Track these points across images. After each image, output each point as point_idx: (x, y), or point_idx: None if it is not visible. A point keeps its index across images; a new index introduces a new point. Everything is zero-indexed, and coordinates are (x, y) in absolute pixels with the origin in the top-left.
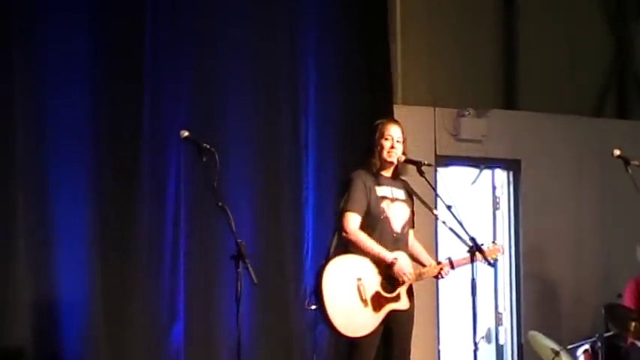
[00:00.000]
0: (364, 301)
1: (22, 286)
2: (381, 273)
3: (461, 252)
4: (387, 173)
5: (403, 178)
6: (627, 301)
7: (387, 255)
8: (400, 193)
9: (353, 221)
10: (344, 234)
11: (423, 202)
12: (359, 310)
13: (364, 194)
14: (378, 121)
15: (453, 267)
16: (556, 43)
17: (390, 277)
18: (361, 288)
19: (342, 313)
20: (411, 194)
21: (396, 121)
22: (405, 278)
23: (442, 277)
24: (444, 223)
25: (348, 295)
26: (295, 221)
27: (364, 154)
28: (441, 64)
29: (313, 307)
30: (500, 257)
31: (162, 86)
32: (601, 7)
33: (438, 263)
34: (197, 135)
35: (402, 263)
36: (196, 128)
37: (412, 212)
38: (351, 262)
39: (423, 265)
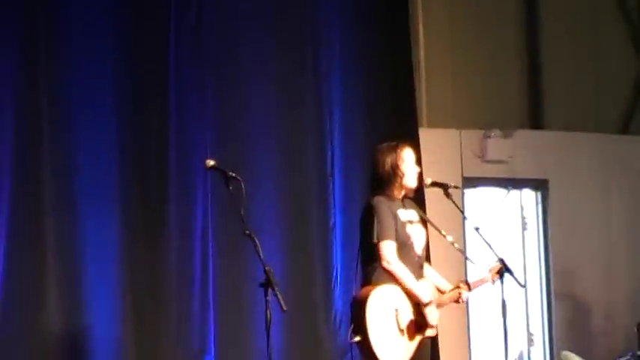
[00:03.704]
0: (401, 331)
1: (53, 327)
2: (413, 306)
3: (479, 273)
4: (399, 196)
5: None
6: None
7: (424, 295)
8: (414, 214)
9: (391, 250)
10: (385, 264)
11: (431, 224)
12: (398, 340)
13: (392, 220)
14: (390, 145)
15: (470, 289)
16: (581, 61)
17: (420, 312)
18: (398, 318)
19: (385, 345)
20: (420, 214)
21: (409, 143)
22: (432, 323)
23: (462, 302)
24: (453, 244)
25: (388, 326)
26: (323, 248)
27: (378, 178)
28: (466, 86)
29: (357, 339)
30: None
31: (187, 118)
32: (625, 24)
33: (456, 287)
34: (223, 164)
35: (434, 308)
36: (222, 158)
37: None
38: (389, 292)
39: (441, 292)
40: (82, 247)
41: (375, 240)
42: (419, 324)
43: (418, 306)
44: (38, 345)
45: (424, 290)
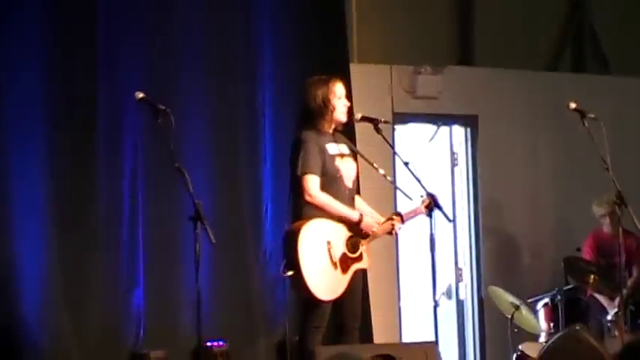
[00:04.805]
0: (334, 264)
1: None
2: (348, 232)
3: (411, 205)
4: (330, 129)
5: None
6: (586, 254)
7: (353, 214)
8: (344, 148)
9: (314, 184)
10: (308, 198)
11: (364, 157)
12: (331, 273)
13: (319, 155)
14: (320, 78)
15: (403, 221)
16: None
17: (354, 237)
18: (331, 251)
19: (317, 279)
20: (352, 148)
21: (339, 78)
22: (375, 228)
23: (395, 233)
24: (384, 177)
25: (321, 260)
26: (253, 182)
27: (308, 112)
28: (396, 22)
29: (290, 273)
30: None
31: (116, 50)
32: None
33: (389, 219)
34: (152, 96)
35: (368, 218)
36: (152, 92)
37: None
38: (320, 225)
39: None
40: (8, 183)
41: (299, 173)
42: (352, 256)
43: (351, 238)
44: None
45: (352, 210)
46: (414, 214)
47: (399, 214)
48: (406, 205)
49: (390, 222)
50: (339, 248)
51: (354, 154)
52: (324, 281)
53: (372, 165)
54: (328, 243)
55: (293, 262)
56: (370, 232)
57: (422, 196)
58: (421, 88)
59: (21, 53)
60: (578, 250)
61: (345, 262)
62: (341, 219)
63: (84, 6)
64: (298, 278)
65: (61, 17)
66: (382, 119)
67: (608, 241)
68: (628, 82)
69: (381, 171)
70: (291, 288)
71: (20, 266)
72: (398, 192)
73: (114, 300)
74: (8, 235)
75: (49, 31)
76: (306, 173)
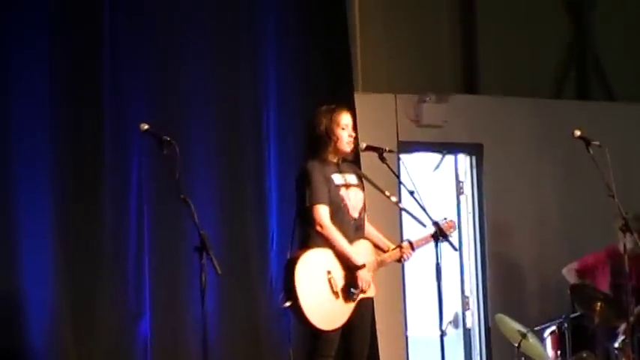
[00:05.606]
0: (335, 294)
1: None
2: (347, 268)
3: (420, 232)
4: (335, 159)
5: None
6: (595, 263)
7: (356, 259)
8: (352, 178)
9: (324, 214)
10: (318, 228)
11: (375, 186)
12: (331, 303)
13: (325, 184)
14: (327, 108)
15: (413, 249)
16: (515, 25)
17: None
18: (332, 281)
19: (317, 309)
20: (361, 177)
21: (346, 108)
22: (364, 288)
23: (405, 260)
24: (396, 204)
25: (320, 290)
26: (259, 212)
27: (313, 141)
28: (401, 51)
29: (288, 304)
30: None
31: (122, 82)
32: None
33: (398, 246)
34: (157, 128)
35: (366, 273)
36: (158, 123)
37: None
38: (319, 255)
39: (383, 251)
40: (15, 210)
41: (308, 204)
42: (354, 286)
43: (350, 276)
44: None
45: (357, 254)
46: (425, 241)
47: (409, 242)
48: (414, 233)
49: (399, 249)
50: (342, 277)
51: (362, 184)
52: (322, 311)
53: (384, 193)
54: (328, 272)
55: (291, 292)
56: (360, 288)
57: (435, 223)
58: (426, 116)
59: (27, 81)
60: None
61: (348, 292)
62: (342, 257)
63: (90, 34)
64: (296, 308)
65: (67, 45)
66: (387, 148)
67: (623, 259)
68: (632, 109)
69: (394, 199)
70: (293, 318)
71: (27, 294)
72: (405, 219)
73: (121, 328)
74: (15, 263)
75: (55, 58)
76: (315, 204)
